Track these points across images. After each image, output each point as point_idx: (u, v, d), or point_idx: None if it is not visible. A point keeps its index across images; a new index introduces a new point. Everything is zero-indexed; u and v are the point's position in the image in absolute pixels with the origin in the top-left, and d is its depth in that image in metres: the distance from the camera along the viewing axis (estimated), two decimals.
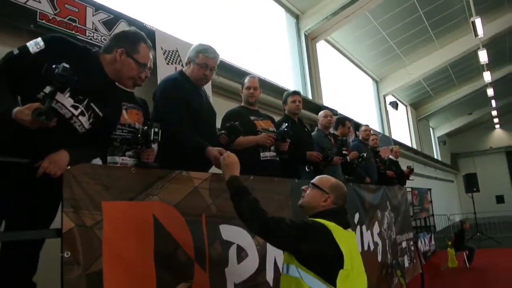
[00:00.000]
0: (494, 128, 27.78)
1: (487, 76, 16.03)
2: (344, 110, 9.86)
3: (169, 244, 2.10)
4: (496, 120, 26.01)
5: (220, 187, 2.40)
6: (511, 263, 8.94)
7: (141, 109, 2.43)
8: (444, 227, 15.74)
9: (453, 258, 8.90)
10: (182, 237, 2.18)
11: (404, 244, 6.17)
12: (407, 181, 7.73)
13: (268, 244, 2.51)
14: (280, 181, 3.16)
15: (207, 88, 5.02)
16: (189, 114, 2.64)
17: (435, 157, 22.77)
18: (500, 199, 25.52)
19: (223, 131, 2.83)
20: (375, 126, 13.73)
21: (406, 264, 6.09)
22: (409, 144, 17.25)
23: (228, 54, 6.40)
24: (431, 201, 9.67)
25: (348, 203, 4.19)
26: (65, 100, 1.77)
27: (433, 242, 8.59)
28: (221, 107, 3.79)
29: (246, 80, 3.60)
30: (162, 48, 4.56)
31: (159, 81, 3.64)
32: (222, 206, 2.44)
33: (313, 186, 2.15)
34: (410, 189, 7.90)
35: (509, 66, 17.40)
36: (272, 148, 3.37)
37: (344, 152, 4.99)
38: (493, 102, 20.90)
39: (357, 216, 4.48)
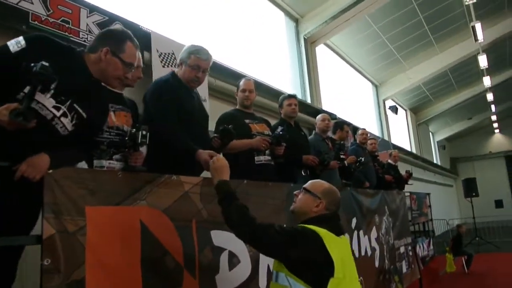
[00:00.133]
0: (494, 132, 27.76)
1: (487, 81, 16.02)
2: (344, 114, 9.81)
3: (157, 250, 2.04)
4: (495, 125, 26.01)
5: (211, 192, 2.31)
6: (510, 267, 8.85)
7: (129, 111, 2.36)
8: (443, 232, 15.66)
9: (451, 263, 8.83)
10: (170, 243, 2.11)
11: (402, 249, 6.10)
12: (406, 186, 7.68)
13: None
14: (275, 185, 3.09)
15: (204, 91, 5.00)
16: (181, 116, 2.58)
17: (435, 161, 22.71)
18: (499, 203, 25.45)
19: (215, 135, 2.77)
20: (375, 130, 13.67)
21: (404, 270, 6.02)
22: (408, 149, 17.19)
23: (226, 57, 6.37)
24: (429, 206, 9.62)
25: (345, 208, 4.21)
26: (46, 100, 1.70)
27: (431, 247, 8.53)
28: (218, 110, 3.73)
29: (241, 82, 3.54)
30: (157, 51, 4.51)
31: None
32: (213, 211, 2.36)
33: (305, 191, 2.09)
34: (408, 194, 7.84)
35: (509, 71, 17.38)
36: (267, 152, 3.31)
37: (342, 156, 4.94)
38: (493, 107, 20.88)
39: (354, 221, 4.41)
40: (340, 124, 5.55)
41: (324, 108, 9.03)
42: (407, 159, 14.85)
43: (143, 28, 4.50)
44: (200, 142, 2.54)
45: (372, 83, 14.63)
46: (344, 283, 1.80)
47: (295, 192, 2.17)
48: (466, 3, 10.62)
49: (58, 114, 1.74)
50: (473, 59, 14.10)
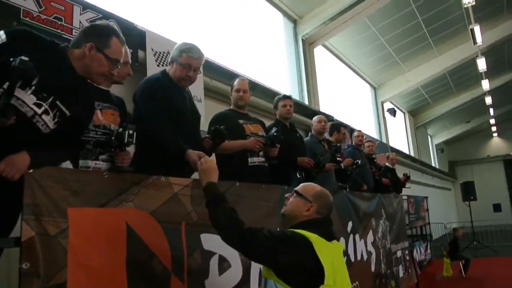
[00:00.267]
0: (492, 136, 27.78)
1: (485, 84, 16.01)
2: (341, 116, 9.76)
3: (143, 253, 1.96)
4: (494, 128, 26.03)
5: (202, 194, 2.24)
6: (507, 272, 8.80)
7: (117, 109, 2.28)
8: (441, 236, 15.62)
9: (448, 267, 8.77)
10: (158, 246, 2.04)
11: (399, 253, 6.05)
12: (404, 189, 7.62)
13: None
14: (269, 187, 3.02)
15: (199, 91, 4.94)
16: (171, 115, 2.51)
17: (433, 164, 22.67)
18: (497, 207, 25.44)
19: (207, 135, 2.70)
20: (373, 133, 13.62)
21: (401, 274, 5.96)
22: (406, 152, 17.15)
23: (223, 57, 6.31)
24: (427, 209, 9.58)
25: (341, 211, 4.15)
26: (27, 97, 1.63)
27: (429, 251, 8.47)
28: (214, 111, 3.66)
29: (236, 82, 3.48)
30: (152, 49, 4.44)
31: None
32: (204, 214, 2.26)
33: (296, 194, 2.02)
34: (406, 197, 7.79)
35: (507, 75, 17.37)
36: (261, 153, 3.24)
37: (338, 158, 4.88)
38: (491, 111, 20.88)
39: (350, 224, 4.35)
40: (337, 126, 5.48)
41: (322, 110, 8.97)
42: (405, 162, 14.80)
43: (138, 26, 4.43)
44: (192, 142, 2.48)
45: (371, 85, 14.59)
46: None
47: (286, 195, 2.10)
48: (465, 6, 10.59)
49: (39, 111, 1.67)
50: (472, 62, 14.07)
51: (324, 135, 5.33)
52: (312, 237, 1.77)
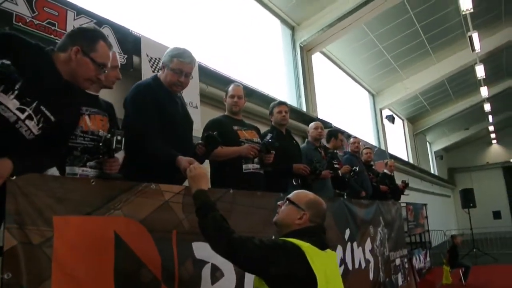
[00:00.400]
0: (491, 143, 27.77)
1: (484, 91, 16.02)
2: (340, 123, 9.73)
3: (132, 263, 1.90)
4: (493, 135, 26.01)
5: None
6: (507, 280, 8.70)
7: (106, 115, 2.23)
8: (440, 243, 15.53)
9: (448, 275, 8.70)
10: (148, 256, 1.98)
11: (397, 261, 5.98)
12: (402, 196, 7.56)
13: None
14: (264, 195, 2.97)
15: (195, 97, 4.90)
16: (162, 122, 2.47)
17: (432, 171, 22.63)
18: (497, 215, 25.34)
19: (200, 141, 2.65)
20: (371, 140, 13.59)
21: (400, 282, 5.90)
22: (405, 159, 17.10)
23: (220, 64, 6.28)
24: (426, 217, 9.51)
25: (338, 219, 4.09)
26: (9, 101, 1.57)
27: (428, 258, 8.40)
28: (210, 117, 3.60)
29: (230, 88, 3.44)
30: (148, 55, 4.41)
31: None
32: (196, 222, 2.19)
33: (289, 202, 1.96)
34: (404, 204, 7.73)
35: (506, 81, 17.40)
36: (256, 160, 3.19)
37: (335, 165, 4.84)
38: (490, 117, 20.86)
39: (347, 232, 4.30)
40: (334, 133, 5.44)
41: (320, 116, 8.94)
42: (404, 169, 14.77)
43: (133, 32, 4.40)
44: (184, 148, 2.43)
45: (369, 92, 14.58)
46: None
47: (278, 203, 2.04)
48: (463, 13, 10.59)
49: (22, 116, 1.62)
50: (470, 69, 14.08)
51: (322, 142, 5.29)
52: (305, 246, 1.72)
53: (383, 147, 14.06)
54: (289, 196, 2.00)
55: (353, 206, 4.61)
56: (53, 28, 3.57)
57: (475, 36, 11.31)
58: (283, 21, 9.10)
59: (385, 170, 7.46)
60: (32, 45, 1.72)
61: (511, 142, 26.73)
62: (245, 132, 3.32)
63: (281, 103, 4.05)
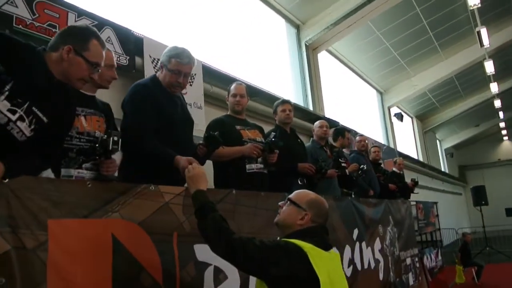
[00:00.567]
0: (502, 140, 27.38)
1: (494, 87, 15.76)
2: (347, 122, 9.63)
3: (131, 267, 1.86)
4: (504, 132, 25.61)
5: None
6: None
7: (103, 116, 2.18)
8: (452, 241, 15.34)
9: (461, 274, 8.55)
10: (147, 259, 1.94)
11: (408, 261, 5.89)
12: (412, 194, 7.45)
13: None
14: (268, 195, 2.91)
15: (199, 97, 4.86)
16: (160, 122, 2.42)
17: (442, 169, 22.37)
18: (510, 212, 24.81)
19: (201, 142, 2.60)
20: (380, 138, 13.45)
21: (411, 282, 5.81)
22: (415, 157, 16.91)
23: (225, 64, 6.25)
24: (437, 215, 9.39)
25: (346, 218, 4.02)
26: (0, 103, 1.55)
27: (439, 257, 8.28)
28: (215, 118, 3.56)
29: (232, 87, 3.39)
30: (150, 56, 4.38)
31: None
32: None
33: (290, 202, 1.91)
34: (414, 203, 7.63)
35: None
36: (260, 160, 3.14)
37: (343, 164, 4.77)
38: (501, 114, 20.56)
39: (356, 232, 4.23)
40: (341, 131, 5.37)
41: (327, 115, 8.86)
42: (414, 167, 14.60)
43: (135, 33, 4.37)
44: (183, 149, 2.38)
45: (377, 90, 14.44)
46: None
47: (279, 203, 1.99)
48: (471, 8, 10.43)
49: (13, 118, 1.58)
50: (480, 65, 13.86)
51: (330, 141, 5.23)
52: (307, 247, 1.66)
53: (392, 146, 13.91)
54: (290, 196, 1.95)
55: (361, 205, 4.54)
56: (54, 30, 3.53)
57: (483, 31, 11.12)
58: (288, 20, 9.02)
59: (394, 169, 7.36)
60: (22, 45, 1.68)
61: None
62: (248, 132, 3.27)
63: (285, 102, 4.00)
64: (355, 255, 4.10)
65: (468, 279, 8.57)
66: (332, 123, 6.86)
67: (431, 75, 13.97)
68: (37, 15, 3.43)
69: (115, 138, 1.84)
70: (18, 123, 1.60)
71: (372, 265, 4.47)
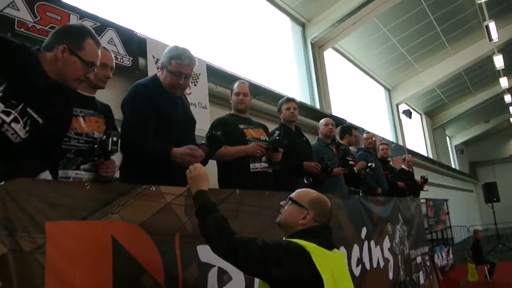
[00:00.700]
0: None
1: (503, 82, 15.57)
2: (355, 119, 9.55)
3: (132, 269, 1.83)
4: None
5: None
6: None
7: (102, 117, 2.16)
8: (464, 239, 15.15)
9: (474, 271, 8.41)
10: (148, 260, 1.91)
11: (418, 259, 5.81)
12: (422, 192, 7.36)
13: None
14: (272, 194, 2.86)
15: (204, 97, 4.84)
16: (160, 122, 2.38)
17: (453, 166, 22.15)
18: None
19: (203, 142, 2.56)
20: (388, 135, 13.33)
21: (422, 281, 5.73)
22: (425, 154, 16.75)
23: (231, 64, 6.22)
24: (447, 213, 9.26)
25: (354, 217, 3.97)
26: None
27: (451, 255, 8.18)
28: None
29: (235, 85, 3.35)
30: (153, 57, 4.36)
31: None
32: None
33: (291, 201, 1.87)
34: (424, 200, 7.54)
35: None
36: (264, 158, 3.10)
37: (350, 162, 4.71)
38: (511, 109, 20.29)
39: (364, 231, 4.18)
40: (348, 129, 5.31)
41: (334, 113, 8.79)
42: (424, 164, 14.46)
43: (138, 34, 4.35)
44: None
45: (384, 87, 14.33)
46: None
47: (281, 203, 1.95)
48: (478, 2, 10.30)
49: (7, 119, 1.55)
50: (489, 60, 13.70)
51: (337, 139, 5.18)
52: (310, 246, 1.62)
53: (400, 143, 13.79)
54: (292, 195, 1.92)
55: (369, 203, 4.48)
56: None
57: (492, 25, 10.97)
58: (293, 18, 8.97)
59: (403, 166, 7.28)
60: (16, 45, 1.65)
61: None
62: (252, 131, 3.23)
63: (289, 100, 3.95)
64: (364, 254, 4.05)
65: (480, 277, 8.44)
66: (339, 121, 6.80)
67: (439, 71, 13.84)
68: (38, 18, 3.43)
69: (114, 139, 1.81)
70: (13, 124, 1.58)
71: (382, 264, 4.41)
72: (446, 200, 9.48)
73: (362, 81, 12.75)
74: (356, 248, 3.90)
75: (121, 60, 4.05)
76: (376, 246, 4.36)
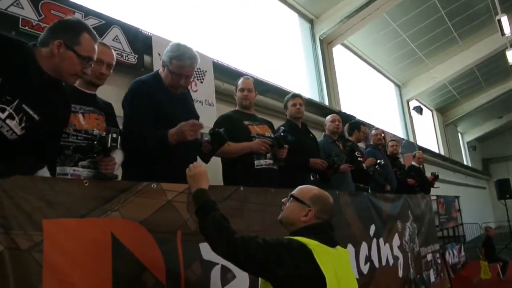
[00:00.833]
0: None
1: None
2: (365, 116, 9.45)
3: (132, 267, 1.81)
4: None
5: None
6: None
7: (102, 114, 2.13)
8: (476, 236, 14.95)
9: (486, 269, 8.29)
10: (149, 258, 1.88)
11: (429, 257, 5.73)
12: (433, 189, 7.25)
13: None
14: (277, 191, 2.81)
15: (210, 95, 4.81)
16: (159, 119, 2.34)
17: (465, 163, 21.87)
18: None
19: (206, 139, 2.53)
20: (399, 132, 13.20)
21: (432, 279, 5.65)
22: (436, 151, 16.56)
23: (239, 61, 6.18)
24: (459, 210, 9.12)
25: (362, 214, 3.91)
26: None
27: (463, 253, 8.05)
28: None
29: (240, 81, 3.31)
30: (159, 54, 4.32)
31: None
32: None
33: (293, 198, 1.83)
34: (435, 197, 7.43)
35: None
36: (269, 155, 3.05)
37: (359, 158, 4.66)
38: None
39: (372, 228, 4.13)
40: (357, 125, 5.23)
41: (344, 110, 8.72)
42: (435, 161, 14.30)
43: (143, 31, 4.34)
44: (187, 147, 2.31)
45: (395, 83, 14.18)
46: None
47: (283, 200, 1.91)
48: None
49: (2, 116, 1.53)
50: (501, 55, 13.44)
51: (346, 135, 5.12)
52: (312, 244, 1.59)
53: (411, 140, 13.64)
54: (293, 192, 1.88)
55: (377, 200, 4.43)
56: None
57: (504, 19, 10.76)
58: (301, 14, 8.91)
59: (413, 163, 7.19)
60: (11, 41, 1.64)
61: None
62: (257, 127, 3.19)
63: (295, 96, 3.91)
64: (372, 252, 4.00)
65: (493, 274, 8.32)
66: (348, 118, 6.73)
67: (451, 67, 13.66)
68: (43, 16, 3.43)
69: (114, 135, 1.79)
70: (8, 121, 1.55)
71: (391, 262, 4.36)
72: (457, 197, 9.33)
73: (372, 77, 12.62)
74: (364, 245, 3.85)
75: (127, 58, 4.04)
76: (385, 244, 4.31)
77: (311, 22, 9.11)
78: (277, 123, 3.87)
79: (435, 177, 7.15)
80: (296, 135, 3.40)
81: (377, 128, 5.94)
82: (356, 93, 10.84)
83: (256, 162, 3.01)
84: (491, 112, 21.09)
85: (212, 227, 1.67)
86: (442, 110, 18.68)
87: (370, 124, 8.14)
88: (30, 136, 1.62)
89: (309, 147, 3.78)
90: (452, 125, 20.18)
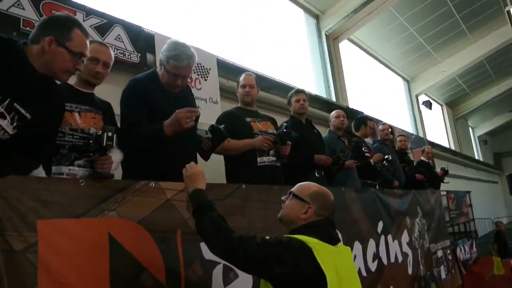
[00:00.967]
0: None
1: None
2: (373, 112, 9.35)
3: (131, 267, 1.79)
4: None
5: None
6: None
7: (99, 113, 2.11)
8: (489, 231, 14.76)
9: (499, 265, 8.16)
10: (148, 258, 1.86)
11: (439, 253, 5.64)
12: (443, 184, 7.14)
13: None
14: (281, 189, 2.76)
15: (215, 92, 4.77)
16: (154, 118, 2.31)
17: (476, 157, 21.59)
18: None
19: (206, 136, 2.49)
20: (408, 127, 13.06)
21: (443, 276, 5.56)
22: (446, 145, 16.37)
23: (244, 58, 6.14)
24: (470, 205, 8.99)
25: (369, 211, 3.85)
26: None
27: (474, 249, 7.93)
28: None
29: (241, 78, 3.27)
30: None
31: None
32: None
33: (292, 196, 1.79)
34: (445, 193, 7.32)
35: None
36: (272, 152, 3.01)
37: (366, 154, 4.59)
38: None
39: (380, 224, 4.07)
40: (363, 120, 5.17)
41: (351, 106, 8.63)
42: (445, 156, 14.11)
43: (146, 30, 4.31)
44: (186, 145, 2.28)
45: (403, 78, 14.02)
46: None
47: (282, 198, 1.87)
48: None
49: None
50: (511, 47, 13.24)
51: (352, 130, 5.07)
52: (312, 242, 1.54)
53: (421, 135, 13.49)
54: (292, 189, 1.84)
55: (385, 196, 4.36)
56: None
57: None
58: (307, 10, 8.82)
59: (423, 158, 7.09)
60: (2, 39, 1.61)
61: None
62: (259, 124, 3.15)
63: (299, 91, 3.86)
64: (380, 249, 3.94)
65: (506, 270, 8.19)
66: (355, 114, 6.66)
67: (460, 60, 13.45)
68: (44, 16, 3.41)
69: (109, 134, 1.76)
70: None
71: (400, 258, 4.30)
72: (468, 192, 9.21)
73: (380, 72, 12.49)
74: (372, 242, 3.79)
75: (129, 57, 4.02)
76: (394, 241, 4.25)
77: (316, 17, 9.02)
78: (282, 120, 3.83)
79: (445, 172, 7.04)
80: (300, 131, 3.36)
81: (384, 123, 5.85)
82: (364, 88, 10.72)
83: (258, 159, 2.98)
84: (502, 106, 20.77)
85: (209, 227, 1.64)
86: (452, 104, 18.45)
87: (378, 119, 8.05)
88: (23, 135, 1.60)
89: (314, 143, 3.73)
90: (462, 119, 19.93)
